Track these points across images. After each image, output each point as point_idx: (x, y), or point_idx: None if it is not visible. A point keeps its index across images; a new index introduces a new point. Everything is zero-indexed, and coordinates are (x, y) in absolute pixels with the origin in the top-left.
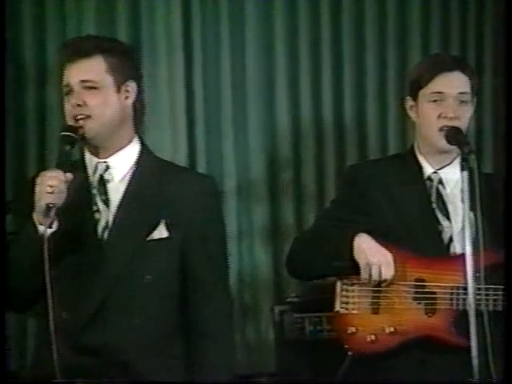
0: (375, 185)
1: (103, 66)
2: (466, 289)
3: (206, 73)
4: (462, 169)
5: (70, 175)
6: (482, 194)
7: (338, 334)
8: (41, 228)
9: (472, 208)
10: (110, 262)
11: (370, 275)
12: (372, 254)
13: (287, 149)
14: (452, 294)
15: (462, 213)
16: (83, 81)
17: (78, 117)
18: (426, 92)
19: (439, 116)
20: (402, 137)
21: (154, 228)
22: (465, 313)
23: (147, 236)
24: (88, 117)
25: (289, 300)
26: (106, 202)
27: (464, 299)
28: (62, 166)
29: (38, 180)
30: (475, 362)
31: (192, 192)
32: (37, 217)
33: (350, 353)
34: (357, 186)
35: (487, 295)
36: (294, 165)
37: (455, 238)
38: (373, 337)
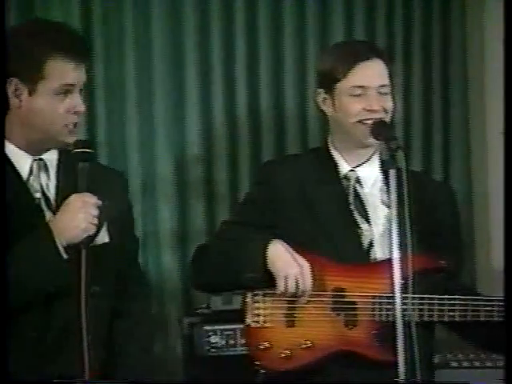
0: (289, 184)
1: None
2: (389, 298)
3: (108, 70)
4: (389, 166)
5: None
6: (409, 194)
7: (249, 350)
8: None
9: (398, 209)
10: None
11: (287, 287)
12: (288, 264)
13: (197, 144)
14: (374, 303)
15: (381, 215)
16: None
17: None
18: (345, 86)
19: (363, 109)
20: (323, 132)
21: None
22: (388, 324)
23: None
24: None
25: (199, 311)
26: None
27: (387, 309)
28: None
29: (78, 204)
30: (402, 377)
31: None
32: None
33: (261, 370)
34: (269, 185)
35: (414, 305)
36: (204, 161)
37: (375, 243)
38: (287, 352)
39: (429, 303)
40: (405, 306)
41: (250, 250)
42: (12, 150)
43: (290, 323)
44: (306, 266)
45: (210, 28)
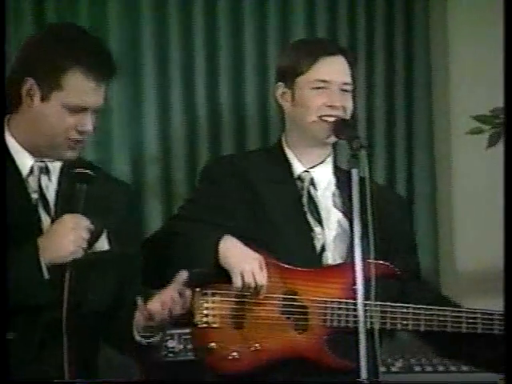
0: (239, 183)
1: None
2: (340, 303)
3: None
4: (351, 166)
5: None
6: (362, 198)
7: (196, 351)
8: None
9: (352, 213)
10: None
11: (244, 283)
12: (243, 259)
13: (154, 142)
14: (326, 308)
15: (334, 219)
16: None
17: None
18: (307, 79)
19: (324, 104)
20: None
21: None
22: (339, 330)
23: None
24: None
25: None
26: None
27: (339, 315)
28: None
29: (69, 225)
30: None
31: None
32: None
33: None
34: (217, 184)
35: (366, 311)
36: (162, 161)
37: (328, 247)
38: (235, 354)
39: (391, 311)
40: (355, 313)
41: (200, 245)
42: (15, 147)
43: (239, 324)
44: (261, 259)
45: (168, 28)
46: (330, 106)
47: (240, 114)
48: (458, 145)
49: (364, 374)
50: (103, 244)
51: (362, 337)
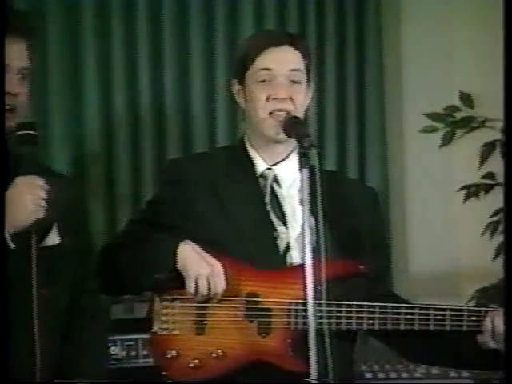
0: (201, 183)
1: None
2: (305, 305)
3: None
4: (302, 165)
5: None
6: (324, 194)
7: (155, 359)
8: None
9: (313, 211)
10: None
11: (197, 289)
12: (199, 264)
13: (96, 141)
14: (290, 310)
15: (299, 216)
16: None
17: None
18: (253, 71)
19: (268, 98)
20: (232, 127)
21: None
22: (305, 333)
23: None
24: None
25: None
26: None
27: (304, 317)
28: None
29: (24, 186)
30: None
31: None
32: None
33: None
34: (178, 184)
35: (330, 312)
36: (104, 160)
37: (292, 246)
38: (196, 362)
39: (346, 310)
40: (319, 314)
41: (159, 250)
42: None
43: (200, 331)
44: (219, 266)
45: (111, 23)
46: (275, 99)
47: (185, 113)
48: (411, 143)
49: (314, 375)
50: (54, 238)
51: (312, 337)
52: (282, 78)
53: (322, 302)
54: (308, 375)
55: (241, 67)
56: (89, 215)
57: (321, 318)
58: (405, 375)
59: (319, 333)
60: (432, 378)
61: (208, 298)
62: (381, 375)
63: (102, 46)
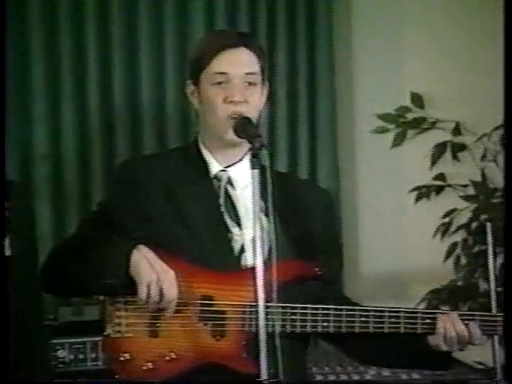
0: (154, 184)
1: None
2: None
3: None
4: (253, 166)
5: None
6: (275, 195)
7: (108, 362)
8: None
9: (265, 213)
10: None
11: (149, 296)
12: (151, 271)
13: (43, 141)
14: (244, 313)
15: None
16: None
17: None
18: (208, 73)
19: (225, 100)
20: (183, 128)
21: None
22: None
23: None
24: None
25: (45, 323)
26: None
27: (257, 319)
28: None
29: None
30: None
31: None
32: None
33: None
34: (131, 185)
35: (284, 314)
36: (52, 159)
37: (247, 248)
38: (150, 365)
39: (301, 313)
40: (273, 316)
41: (113, 255)
42: None
43: (154, 333)
44: (172, 273)
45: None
46: (231, 102)
47: (135, 114)
48: (362, 144)
49: (264, 375)
50: (5, 250)
51: (263, 338)
52: (237, 81)
53: (275, 304)
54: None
55: (196, 68)
56: (36, 217)
57: (274, 320)
58: (355, 377)
59: (272, 335)
60: (383, 380)
61: (160, 306)
62: (332, 377)
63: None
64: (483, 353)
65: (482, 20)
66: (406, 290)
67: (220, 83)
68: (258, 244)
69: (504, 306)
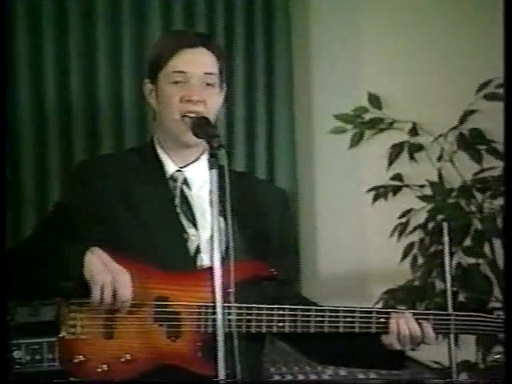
0: (110, 185)
1: None
2: (214, 308)
3: None
4: (211, 166)
5: None
6: (232, 195)
7: (62, 364)
8: None
9: (222, 213)
10: None
11: (103, 297)
12: (105, 272)
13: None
14: (200, 314)
15: (210, 218)
16: None
17: None
18: (166, 72)
19: (181, 100)
20: (142, 128)
21: None
22: (214, 336)
23: None
24: None
25: None
26: None
27: (213, 320)
28: None
29: None
30: None
31: None
32: None
33: None
34: (86, 186)
35: (240, 314)
36: (10, 161)
37: (203, 249)
38: (104, 366)
39: (257, 313)
40: (229, 317)
41: (66, 257)
42: None
43: (109, 335)
44: (126, 274)
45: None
46: (189, 101)
47: (92, 114)
48: (320, 144)
49: (222, 375)
50: None
51: (221, 338)
52: (195, 81)
53: (232, 305)
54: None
55: (154, 67)
56: None
57: (230, 320)
58: (313, 377)
59: (229, 335)
60: (340, 380)
61: (114, 307)
62: (289, 377)
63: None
64: (439, 352)
65: (438, 20)
66: (363, 290)
67: (178, 82)
68: (215, 244)
69: (504, 306)
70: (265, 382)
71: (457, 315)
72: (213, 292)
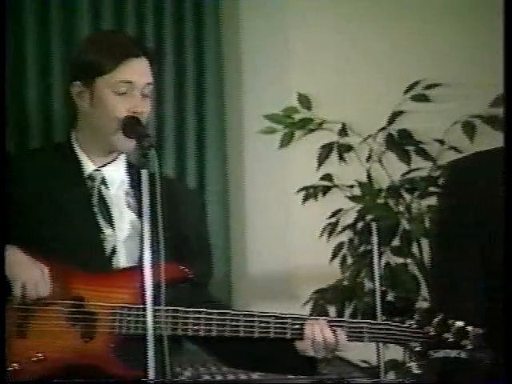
0: (28, 182)
1: None
2: (130, 309)
3: None
4: (141, 166)
5: None
6: (162, 197)
7: None
8: None
9: (138, 213)
10: None
11: (25, 293)
12: (26, 268)
13: None
14: (114, 314)
15: (127, 219)
16: None
17: None
18: (109, 80)
19: (128, 111)
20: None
21: None
22: (128, 337)
23: None
24: None
25: None
26: None
27: (128, 321)
28: None
29: None
30: None
31: None
32: None
33: None
34: (12, 181)
35: (155, 317)
36: None
37: (119, 249)
38: (16, 365)
39: (172, 316)
40: (143, 319)
41: None
42: None
43: (22, 334)
44: (46, 270)
45: None
46: (134, 113)
47: (21, 107)
48: (250, 144)
49: (151, 375)
50: None
51: (151, 341)
52: (138, 91)
53: (143, 306)
54: (130, 378)
55: (90, 71)
56: None
57: (144, 322)
58: (219, 378)
59: (142, 337)
60: (257, 379)
61: (36, 303)
62: (219, 377)
63: None
64: (368, 351)
65: (367, 20)
66: (293, 290)
67: (124, 93)
68: (132, 245)
69: (504, 305)
70: (194, 381)
71: (370, 323)
72: (130, 293)
